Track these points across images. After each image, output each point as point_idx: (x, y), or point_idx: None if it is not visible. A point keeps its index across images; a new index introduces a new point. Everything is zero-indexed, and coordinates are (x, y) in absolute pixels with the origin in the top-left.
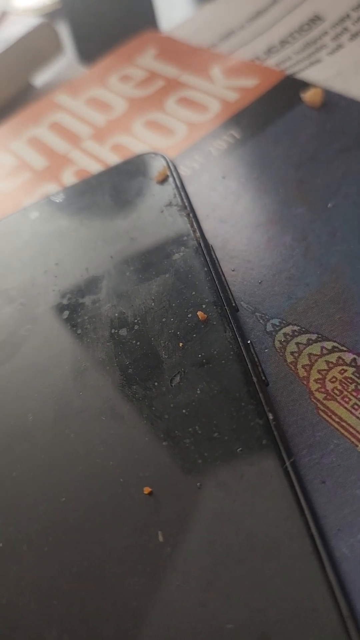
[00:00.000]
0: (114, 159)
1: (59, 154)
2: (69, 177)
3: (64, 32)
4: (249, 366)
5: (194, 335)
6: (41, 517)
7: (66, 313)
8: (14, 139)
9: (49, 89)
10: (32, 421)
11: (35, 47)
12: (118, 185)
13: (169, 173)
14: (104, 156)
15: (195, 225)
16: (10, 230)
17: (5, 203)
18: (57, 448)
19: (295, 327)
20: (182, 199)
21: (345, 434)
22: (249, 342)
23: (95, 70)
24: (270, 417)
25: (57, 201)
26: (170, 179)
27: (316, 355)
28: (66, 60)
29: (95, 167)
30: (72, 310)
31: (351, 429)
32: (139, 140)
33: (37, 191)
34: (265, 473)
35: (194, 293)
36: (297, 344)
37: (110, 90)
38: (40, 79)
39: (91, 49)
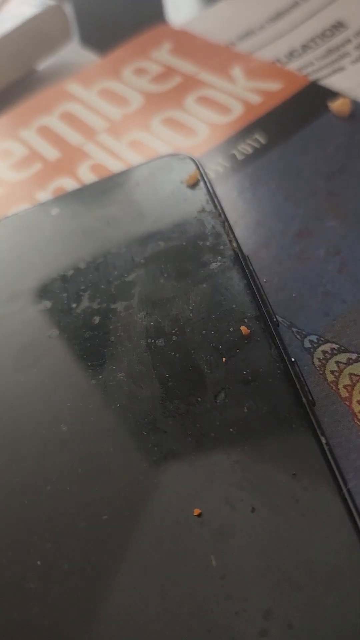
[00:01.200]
0: (132, 156)
1: (73, 145)
2: (86, 172)
3: (71, 18)
4: (298, 386)
5: (237, 351)
6: (82, 535)
7: (97, 318)
8: (22, 127)
9: (53, 75)
10: (67, 432)
11: (43, 30)
12: (145, 186)
13: (199, 177)
14: (121, 152)
15: (231, 234)
16: (29, 225)
17: (15, 193)
18: (95, 462)
19: (334, 345)
20: (215, 206)
21: None
22: (293, 360)
23: (107, 60)
24: (324, 440)
25: (80, 198)
26: (202, 184)
27: (358, 375)
28: (72, 47)
29: (112, 163)
30: (103, 315)
31: None
32: (158, 138)
33: (51, 184)
34: (322, 498)
35: (234, 306)
36: (337, 362)
37: (125, 82)
38: (44, 64)
39: (96, 36)
